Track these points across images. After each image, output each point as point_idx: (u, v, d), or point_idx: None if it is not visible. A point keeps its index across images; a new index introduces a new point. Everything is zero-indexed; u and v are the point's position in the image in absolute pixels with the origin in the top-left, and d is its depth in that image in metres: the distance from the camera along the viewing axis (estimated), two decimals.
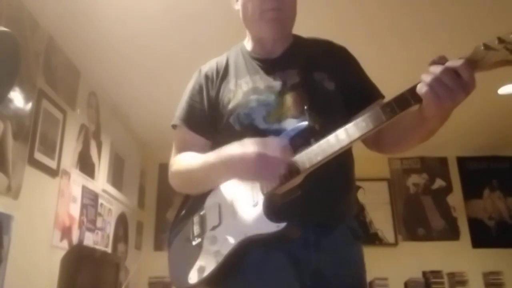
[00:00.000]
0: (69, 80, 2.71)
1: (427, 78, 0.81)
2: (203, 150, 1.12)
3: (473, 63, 0.79)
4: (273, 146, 0.91)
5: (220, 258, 0.96)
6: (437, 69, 0.81)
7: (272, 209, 0.95)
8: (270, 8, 1.10)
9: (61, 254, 2.37)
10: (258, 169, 0.90)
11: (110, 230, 3.37)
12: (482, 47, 0.77)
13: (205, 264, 0.99)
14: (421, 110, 0.87)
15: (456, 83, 0.79)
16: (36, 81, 2.28)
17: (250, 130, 1.06)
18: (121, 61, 2.79)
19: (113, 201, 3.46)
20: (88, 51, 2.67)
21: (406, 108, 0.84)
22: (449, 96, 0.80)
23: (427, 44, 2.59)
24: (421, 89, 0.82)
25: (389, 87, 1.12)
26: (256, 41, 1.20)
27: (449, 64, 0.80)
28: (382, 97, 1.14)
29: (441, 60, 0.82)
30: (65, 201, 2.56)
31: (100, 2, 2.24)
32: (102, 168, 3.24)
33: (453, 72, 0.79)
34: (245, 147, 0.93)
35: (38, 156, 2.26)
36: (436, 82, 0.80)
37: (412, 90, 0.84)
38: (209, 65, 1.23)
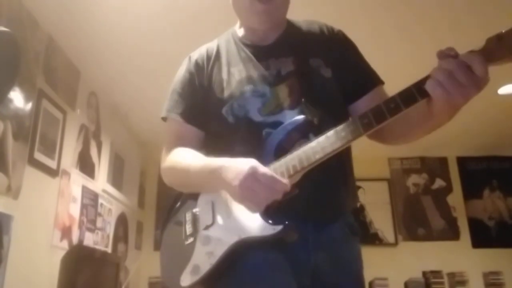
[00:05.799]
0: (69, 80, 2.71)
1: (438, 74, 0.75)
2: (197, 141, 1.09)
3: (486, 56, 0.73)
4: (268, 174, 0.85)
5: (214, 260, 0.91)
6: (449, 65, 0.74)
7: (269, 210, 0.89)
8: None
9: (61, 254, 2.37)
10: (246, 186, 0.84)
11: (110, 230, 3.37)
12: (496, 39, 0.72)
13: (198, 266, 0.94)
14: (428, 105, 0.81)
15: (469, 79, 0.73)
16: (36, 81, 2.28)
17: (245, 122, 1.01)
18: (121, 61, 2.79)
19: (113, 201, 3.46)
20: (88, 51, 2.66)
21: (412, 104, 0.79)
22: (461, 93, 0.74)
23: (431, 42, 2.56)
24: (431, 86, 0.76)
25: (394, 86, 1.10)
26: (247, 29, 1.15)
27: (462, 58, 0.74)
28: (382, 83, 1.10)
29: (450, 52, 0.76)
30: (65, 201, 2.56)
31: (100, 2, 2.24)
32: (102, 168, 3.24)
33: (467, 68, 0.73)
34: (242, 164, 0.87)
35: (38, 156, 2.25)
36: (449, 78, 0.74)
37: (418, 85, 0.78)
38: (199, 52, 1.16)
